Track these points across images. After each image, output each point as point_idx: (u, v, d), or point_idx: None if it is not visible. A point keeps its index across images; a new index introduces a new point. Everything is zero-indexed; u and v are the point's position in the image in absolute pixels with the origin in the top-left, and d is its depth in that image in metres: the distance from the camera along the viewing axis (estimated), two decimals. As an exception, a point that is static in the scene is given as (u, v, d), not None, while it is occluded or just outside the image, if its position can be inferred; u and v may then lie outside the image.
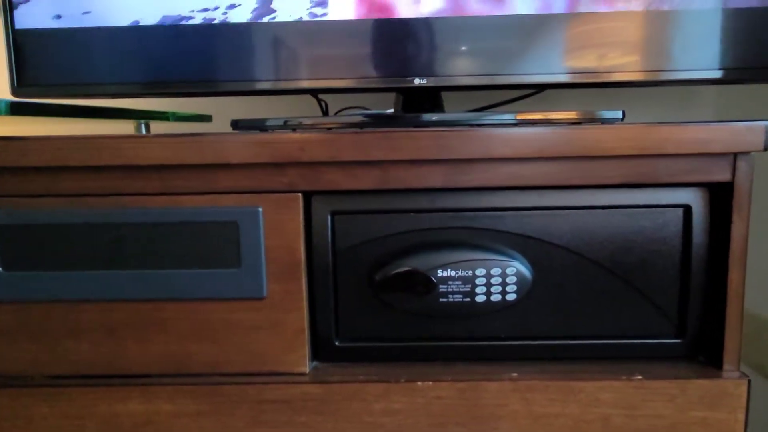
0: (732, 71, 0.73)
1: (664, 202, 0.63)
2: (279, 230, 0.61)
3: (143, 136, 0.59)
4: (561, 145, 0.58)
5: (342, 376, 0.63)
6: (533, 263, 0.64)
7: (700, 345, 0.65)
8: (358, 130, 0.58)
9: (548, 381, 0.61)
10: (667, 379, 0.61)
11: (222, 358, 0.64)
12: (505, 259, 0.63)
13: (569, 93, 1.05)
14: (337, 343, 0.66)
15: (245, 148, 0.58)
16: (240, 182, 0.61)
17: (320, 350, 0.66)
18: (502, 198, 0.63)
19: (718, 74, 0.72)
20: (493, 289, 0.63)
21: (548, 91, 0.98)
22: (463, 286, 0.62)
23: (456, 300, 0.63)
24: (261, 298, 0.62)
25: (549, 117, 0.69)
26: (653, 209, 0.63)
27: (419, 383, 0.62)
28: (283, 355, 0.63)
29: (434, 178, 0.60)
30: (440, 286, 0.63)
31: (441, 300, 0.63)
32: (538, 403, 0.61)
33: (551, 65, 0.74)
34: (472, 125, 0.67)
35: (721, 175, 0.60)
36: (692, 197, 0.63)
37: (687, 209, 0.63)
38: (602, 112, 0.72)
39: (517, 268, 0.63)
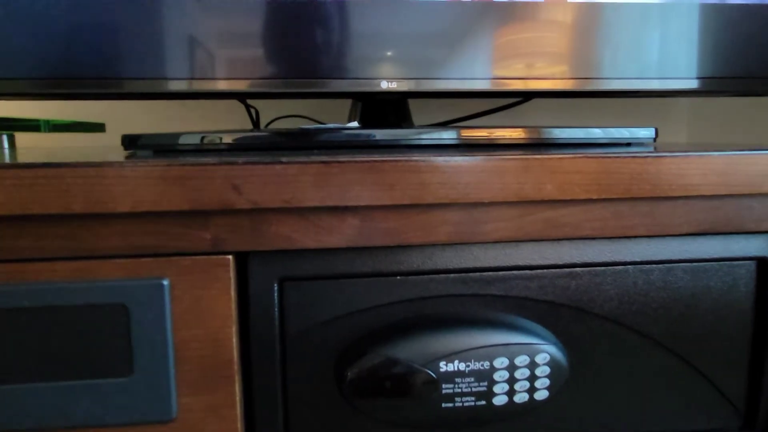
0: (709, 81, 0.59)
1: (734, 254, 0.47)
2: (197, 314, 0.39)
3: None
4: (617, 180, 0.39)
5: None
6: (568, 343, 0.45)
7: (773, 439, 0.49)
8: (327, 159, 0.37)
9: None
10: (751, 498, 0.44)
11: None
12: (534, 342, 0.44)
13: (553, 103, 0.88)
14: (287, 471, 0.44)
15: (143, 187, 0.35)
16: (133, 240, 0.38)
17: (263, 485, 0.44)
18: (529, 251, 0.44)
19: (693, 84, 0.58)
20: (517, 386, 0.43)
21: (535, 100, 0.81)
22: (476, 384, 0.43)
23: (467, 404, 0.43)
24: (168, 421, 0.39)
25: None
26: (721, 263, 0.47)
27: None
28: (206, 505, 0.41)
29: (438, 230, 0.40)
30: (444, 385, 0.43)
31: (445, 405, 0.43)
32: None
33: (535, 70, 0.56)
34: (484, 144, 0.47)
35: (819, 220, 0.44)
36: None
37: (763, 263, 0.47)
38: (633, 129, 0.55)
39: (550, 354, 0.44)
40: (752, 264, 0.47)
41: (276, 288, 0.42)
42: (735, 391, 0.49)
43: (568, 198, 0.39)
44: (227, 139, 0.50)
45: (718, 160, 0.40)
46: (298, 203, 0.37)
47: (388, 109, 0.65)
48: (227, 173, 0.36)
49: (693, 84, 0.59)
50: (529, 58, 0.57)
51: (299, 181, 0.37)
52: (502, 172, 0.38)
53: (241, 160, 0.36)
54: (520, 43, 0.56)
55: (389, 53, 0.55)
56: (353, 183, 0.37)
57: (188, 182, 0.36)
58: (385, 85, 0.56)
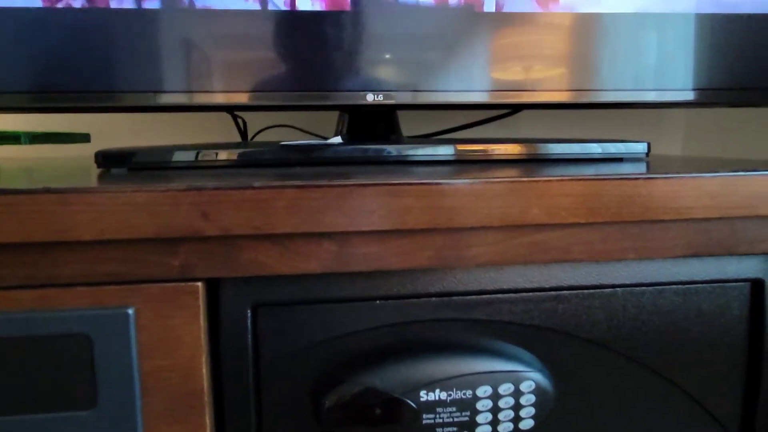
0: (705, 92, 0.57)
1: (727, 276, 0.45)
2: (164, 343, 0.37)
3: None
4: (606, 203, 0.38)
5: None
6: (555, 368, 0.44)
7: (766, 466, 0.48)
8: (301, 183, 0.35)
9: None
10: None
11: None
12: (519, 370, 0.42)
13: (543, 114, 0.87)
14: (262, 504, 0.42)
15: (108, 215, 0.33)
16: (97, 267, 0.36)
17: None
18: (514, 274, 0.43)
19: (689, 96, 0.57)
20: (501, 416, 0.42)
21: (525, 112, 0.79)
22: (458, 414, 0.41)
23: (449, 435, 0.41)
24: (136, 456, 0.38)
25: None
26: (714, 285, 0.45)
27: None
28: None
29: (419, 254, 0.38)
30: (425, 415, 0.41)
31: (426, 436, 0.41)
32: None
33: (528, 82, 0.55)
34: (480, 160, 0.45)
35: (815, 243, 0.42)
36: (765, 268, 0.45)
37: (757, 284, 0.45)
38: (629, 144, 0.53)
39: (535, 381, 0.42)
40: (746, 286, 0.46)
41: (249, 314, 0.40)
42: (728, 417, 0.47)
43: (555, 222, 0.37)
44: (206, 155, 0.48)
45: (711, 182, 0.38)
46: (271, 229, 0.35)
47: (375, 120, 0.63)
48: (195, 199, 0.34)
49: (689, 96, 0.57)
50: (521, 70, 0.55)
51: (272, 207, 0.35)
52: (487, 196, 0.36)
53: (210, 185, 0.34)
54: (512, 54, 0.54)
55: (375, 66, 0.54)
56: (330, 208, 0.35)
57: (155, 209, 0.34)
58: (371, 98, 0.54)
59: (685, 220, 0.40)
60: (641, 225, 0.40)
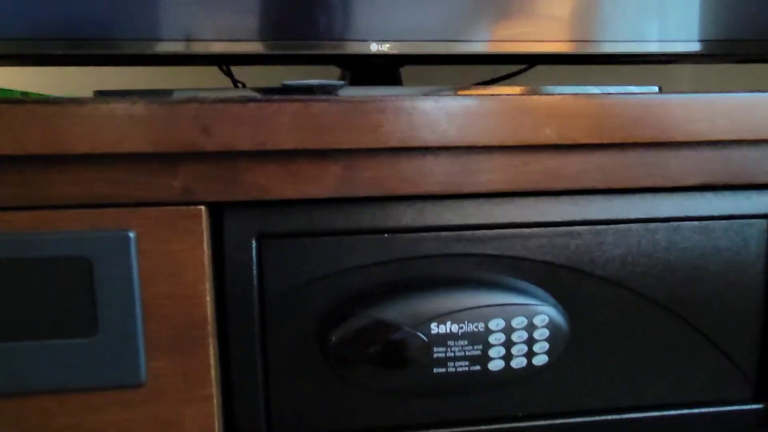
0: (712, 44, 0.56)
1: (744, 212, 0.44)
2: (167, 269, 0.36)
3: None
4: (619, 124, 0.36)
5: (280, 505, 0.38)
6: (568, 306, 0.42)
7: (785, 410, 0.46)
8: (304, 97, 0.34)
9: (600, 487, 0.40)
10: (763, 469, 0.41)
11: (69, 492, 0.37)
12: (532, 303, 0.41)
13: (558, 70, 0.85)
14: (268, 444, 0.41)
15: (104, 127, 0.32)
16: (94, 188, 0.35)
17: (242, 457, 0.41)
18: (526, 207, 0.41)
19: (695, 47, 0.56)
20: (514, 350, 0.41)
21: (539, 67, 0.78)
22: (470, 347, 0.40)
23: (460, 370, 0.40)
24: (137, 386, 0.36)
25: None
26: (731, 221, 0.44)
27: (405, 506, 0.38)
28: (179, 477, 0.38)
29: (428, 180, 0.37)
30: (436, 348, 0.40)
31: (437, 371, 0.40)
32: None
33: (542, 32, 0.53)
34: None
35: (836, 171, 0.41)
36: (783, 203, 0.44)
37: (775, 220, 0.44)
38: (639, 87, 0.52)
39: (549, 315, 0.41)
40: (763, 222, 0.44)
41: (254, 246, 0.39)
42: (746, 359, 0.46)
43: (567, 143, 0.36)
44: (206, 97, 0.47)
45: (728, 102, 0.37)
46: (274, 146, 0.34)
47: (378, 76, 0.62)
48: (196, 113, 0.33)
49: (694, 47, 0.56)
50: (531, 19, 0.54)
51: (275, 123, 0.34)
52: (498, 113, 0.35)
53: (211, 97, 0.33)
54: (521, 3, 0.53)
55: (379, 12, 0.52)
56: (334, 124, 0.34)
57: (153, 122, 0.33)
58: (375, 48, 0.53)
59: (701, 143, 0.38)
60: (656, 152, 0.39)
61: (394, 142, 0.35)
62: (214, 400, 0.38)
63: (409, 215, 0.40)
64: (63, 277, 0.35)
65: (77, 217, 0.35)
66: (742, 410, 0.46)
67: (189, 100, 0.33)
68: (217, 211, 0.38)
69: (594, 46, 0.55)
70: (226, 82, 0.71)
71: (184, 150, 0.33)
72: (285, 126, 0.34)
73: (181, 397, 0.37)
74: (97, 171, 0.34)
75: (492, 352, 0.40)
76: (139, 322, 0.36)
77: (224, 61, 0.66)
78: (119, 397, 0.36)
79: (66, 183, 0.34)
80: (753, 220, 0.44)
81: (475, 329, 0.40)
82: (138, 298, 0.36)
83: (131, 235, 0.35)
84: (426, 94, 0.35)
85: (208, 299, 0.37)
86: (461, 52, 0.53)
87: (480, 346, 0.40)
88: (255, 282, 0.39)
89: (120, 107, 0.32)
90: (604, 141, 0.36)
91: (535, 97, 0.36)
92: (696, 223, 0.43)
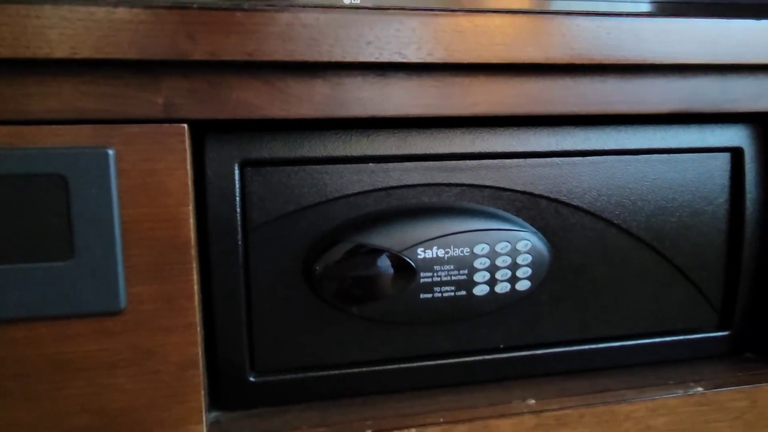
0: None
1: (709, 144, 0.46)
2: (148, 189, 0.35)
3: None
4: (603, 44, 0.38)
5: (267, 435, 0.38)
6: (548, 235, 0.43)
7: (748, 338, 0.49)
8: (294, 6, 0.33)
9: (582, 407, 0.41)
10: (732, 387, 0.43)
11: (43, 429, 0.35)
12: (515, 229, 0.41)
13: None
14: (252, 379, 0.40)
15: (84, 30, 0.31)
16: (72, 102, 0.33)
17: (225, 392, 0.40)
18: (507, 137, 0.42)
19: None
20: (499, 275, 0.41)
21: None
22: (456, 272, 0.40)
23: (446, 295, 0.40)
24: (116, 313, 0.35)
25: None
26: (697, 154, 0.46)
27: (395, 432, 0.38)
28: (161, 409, 0.36)
29: (415, 102, 0.37)
30: (422, 273, 0.40)
31: (423, 296, 0.40)
32: (572, 442, 0.41)
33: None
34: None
35: (793, 101, 0.43)
36: (744, 136, 0.46)
37: (737, 153, 0.46)
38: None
39: (531, 241, 0.42)
40: (727, 156, 0.47)
41: (237, 173, 0.38)
42: (712, 288, 0.48)
43: (550, 62, 0.37)
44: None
45: (701, 26, 0.39)
46: (262, 56, 0.33)
47: None
48: (182, 18, 0.32)
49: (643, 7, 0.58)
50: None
51: (264, 32, 0.33)
52: (482, 31, 0.36)
53: (198, 2, 0.32)
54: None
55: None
56: (325, 37, 0.34)
57: (136, 27, 0.31)
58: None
59: (673, 69, 0.40)
60: (632, 77, 0.40)
61: (384, 58, 0.34)
62: (197, 330, 0.36)
63: (393, 145, 0.40)
64: (36, 195, 0.33)
65: (54, 133, 0.33)
66: (710, 338, 0.48)
67: (174, 6, 0.32)
68: (198, 134, 0.37)
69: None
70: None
71: (168, 57, 0.32)
72: (274, 36, 0.33)
73: (163, 325, 0.36)
74: (76, 83, 0.33)
75: (477, 277, 0.40)
76: (119, 245, 0.34)
77: None
78: (96, 325, 0.35)
79: (43, 96, 0.32)
80: (717, 154, 0.46)
81: (461, 254, 0.40)
82: (117, 219, 0.34)
83: (110, 152, 0.34)
84: (415, 10, 0.35)
85: (192, 222, 0.35)
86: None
87: (465, 271, 0.40)
88: (238, 211, 0.38)
89: (101, 11, 0.31)
90: (584, 62, 0.37)
91: (519, 16, 0.36)
92: (665, 155, 0.45)
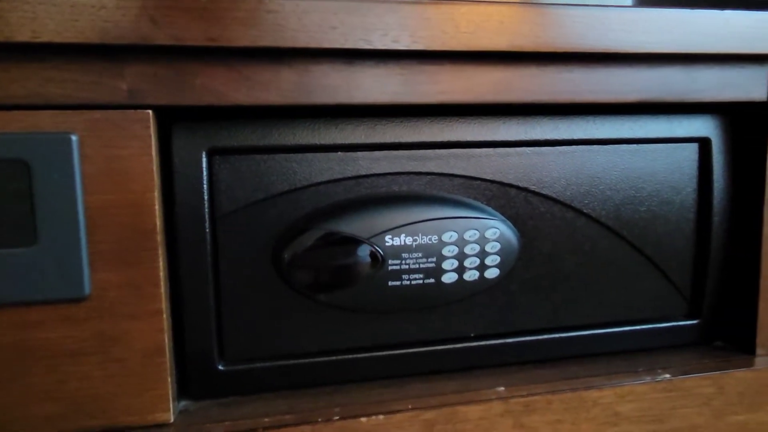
0: None
1: (677, 134, 0.46)
2: (113, 176, 0.34)
3: None
4: (570, 32, 0.38)
5: (234, 423, 0.37)
6: (518, 224, 0.44)
7: (717, 326, 0.49)
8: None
9: (550, 394, 0.41)
10: (699, 374, 0.44)
11: (7, 417, 0.35)
12: (483, 217, 0.42)
13: None
14: (221, 367, 0.40)
15: (45, 13, 0.31)
16: (34, 88, 0.33)
17: (193, 381, 0.40)
18: (476, 127, 0.42)
19: None
20: (467, 262, 0.41)
21: None
22: (424, 260, 0.40)
23: (415, 283, 0.41)
24: (80, 299, 0.35)
25: None
26: (665, 145, 0.46)
27: (363, 419, 0.38)
28: (128, 396, 0.36)
29: (382, 88, 0.37)
30: (390, 261, 0.40)
31: (392, 284, 0.40)
32: (540, 429, 0.41)
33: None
34: None
35: (757, 91, 0.44)
36: (712, 127, 0.47)
37: (705, 144, 0.47)
38: None
39: (500, 229, 0.42)
40: (695, 146, 0.47)
41: (205, 161, 0.38)
42: (681, 278, 0.48)
43: (515, 50, 0.37)
44: None
45: (667, 16, 0.39)
46: (227, 42, 0.33)
47: None
48: (144, 2, 0.32)
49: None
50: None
51: (228, 17, 0.33)
52: (447, 19, 0.36)
53: (158, -12, 0.32)
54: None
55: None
56: (290, 23, 0.34)
57: (98, 11, 0.31)
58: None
59: (640, 56, 0.40)
60: (598, 68, 0.40)
61: (349, 44, 0.35)
62: (164, 316, 0.36)
63: (362, 132, 0.40)
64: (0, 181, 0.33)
65: (17, 119, 0.33)
66: (680, 326, 0.49)
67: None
68: (165, 122, 0.37)
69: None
70: None
71: (131, 42, 0.32)
72: (238, 22, 0.33)
73: (129, 312, 0.36)
74: (38, 69, 0.32)
75: (445, 265, 0.41)
76: (83, 231, 0.34)
77: None
78: (61, 311, 0.35)
79: (6, 81, 0.32)
80: (686, 144, 0.47)
81: (429, 241, 0.40)
82: (81, 205, 0.34)
83: (73, 137, 0.33)
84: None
85: (157, 208, 0.35)
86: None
87: (434, 259, 0.40)
88: (206, 200, 0.38)
89: (59, -7, 0.31)
90: (550, 50, 0.38)
91: (483, 4, 0.37)
92: (634, 145, 0.46)
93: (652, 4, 0.57)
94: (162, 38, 0.32)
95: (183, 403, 0.40)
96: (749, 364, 0.45)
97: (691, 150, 0.47)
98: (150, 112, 0.35)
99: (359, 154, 0.41)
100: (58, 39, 0.31)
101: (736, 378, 0.44)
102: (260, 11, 0.33)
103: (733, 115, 0.47)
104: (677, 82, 0.42)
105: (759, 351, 0.47)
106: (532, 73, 0.40)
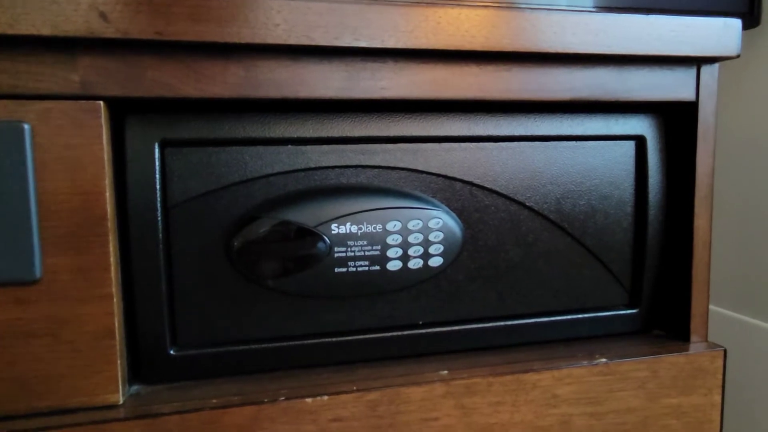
0: None
1: (614, 132, 0.49)
2: (64, 163, 0.36)
3: None
4: (503, 33, 0.40)
5: (183, 404, 0.39)
6: (462, 216, 0.46)
7: (656, 315, 0.52)
8: (204, -10, 0.35)
9: (491, 377, 0.43)
10: (634, 358, 0.46)
11: (-45, 394, 0.36)
12: (427, 207, 0.44)
13: None
14: (172, 352, 0.42)
15: (-7, 8, 0.32)
16: (-13, 77, 0.34)
17: (145, 365, 0.41)
18: (421, 122, 0.44)
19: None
20: (411, 251, 0.43)
21: None
22: (369, 247, 0.42)
23: (360, 269, 0.42)
24: (31, 282, 0.36)
25: None
26: (603, 142, 0.49)
27: (308, 400, 0.40)
28: (77, 378, 0.37)
29: (327, 84, 0.39)
30: (336, 248, 0.42)
31: (338, 270, 0.42)
32: (481, 410, 0.43)
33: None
34: None
35: (686, 92, 0.47)
36: (646, 126, 0.50)
37: (640, 141, 0.50)
38: None
39: (442, 219, 0.44)
40: (631, 144, 0.50)
41: (157, 152, 0.40)
42: (621, 269, 0.51)
43: (458, 48, 0.39)
44: None
45: (594, 19, 0.42)
46: (173, 36, 0.35)
47: None
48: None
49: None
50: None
51: (174, 13, 0.35)
52: (387, 17, 0.38)
53: (108, -16, 0.34)
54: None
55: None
56: (234, 19, 0.36)
57: (50, 4, 0.33)
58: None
59: (571, 57, 0.43)
60: (533, 68, 0.43)
61: (292, 41, 0.37)
62: (114, 300, 0.38)
63: (310, 126, 0.42)
64: (-49, 166, 0.34)
65: (-33, 107, 0.34)
66: (620, 315, 0.51)
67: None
68: (118, 114, 0.39)
69: None
70: None
71: (81, 35, 0.34)
72: (184, 17, 0.35)
73: (79, 295, 0.37)
74: (-14, 57, 0.34)
75: (390, 253, 0.43)
76: (34, 216, 0.36)
77: None
78: (12, 294, 0.36)
79: (-46, 69, 0.34)
80: (622, 141, 0.50)
81: (374, 230, 0.42)
82: (32, 191, 0.35)
83: (26, 126, 0.35)
84: (322, -3, 0.37)
85: (108, 196, 0.37)
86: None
87: (379, 247, 0.42)
88: (158, 191, 0.40)
89: (12, -12, 0.32)
90: (486, 48, 0.40)
91: (419, 5, 0.39)
92: (573, 142, 0.48)
93: (615, 10, 0.60)
94: (111, 32, 0.34)
95: (135, 387, 0.41)
96: (683, 350, 0.48)
97: (628, 147, 0.50)
98: (101, 103, 0.36)
99: (308, 147, 0.42)
100: (9, 31, 0.33)
101: (670, 362, 0.47)
102: (204, 6, 0.35)
103: (666, 114, 0.50)
104: (609, 82, 0.45)
105: (693, 338, 0.49)
106: (471, 72, 0.42)
